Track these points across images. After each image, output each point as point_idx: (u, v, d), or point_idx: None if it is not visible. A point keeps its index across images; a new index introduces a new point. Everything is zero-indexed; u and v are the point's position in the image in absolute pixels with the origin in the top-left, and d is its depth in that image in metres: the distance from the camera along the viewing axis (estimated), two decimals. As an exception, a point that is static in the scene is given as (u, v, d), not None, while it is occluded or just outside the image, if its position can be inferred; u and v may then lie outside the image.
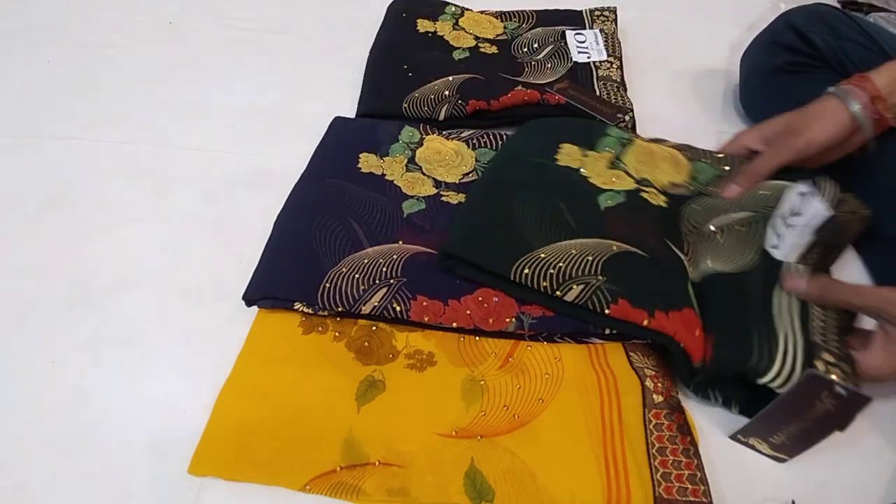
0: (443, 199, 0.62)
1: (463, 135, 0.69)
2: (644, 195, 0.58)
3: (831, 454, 0.46)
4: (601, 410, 0.47)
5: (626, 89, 0.74)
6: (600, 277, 0.49)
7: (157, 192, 0.64)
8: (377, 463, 0.44)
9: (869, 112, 0.53)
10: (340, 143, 0.68)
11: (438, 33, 0.83)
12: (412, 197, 0.62)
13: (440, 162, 0.66)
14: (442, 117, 0.70)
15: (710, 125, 0.74)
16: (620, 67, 0.78)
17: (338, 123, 0.71)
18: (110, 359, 0.50)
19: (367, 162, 0.65)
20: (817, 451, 0.46)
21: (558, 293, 0.49)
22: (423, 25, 0.84)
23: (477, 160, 0.67)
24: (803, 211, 0.50)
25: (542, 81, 0.74)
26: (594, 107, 0.70)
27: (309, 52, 0.84)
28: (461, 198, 0.62)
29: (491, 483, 0.43)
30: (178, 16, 0.90)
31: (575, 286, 0.49)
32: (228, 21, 0.90)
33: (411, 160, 0.66)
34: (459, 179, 0.65)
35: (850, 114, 0.54)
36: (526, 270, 0.50)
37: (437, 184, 0.64)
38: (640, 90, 0.76)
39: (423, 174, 0.65)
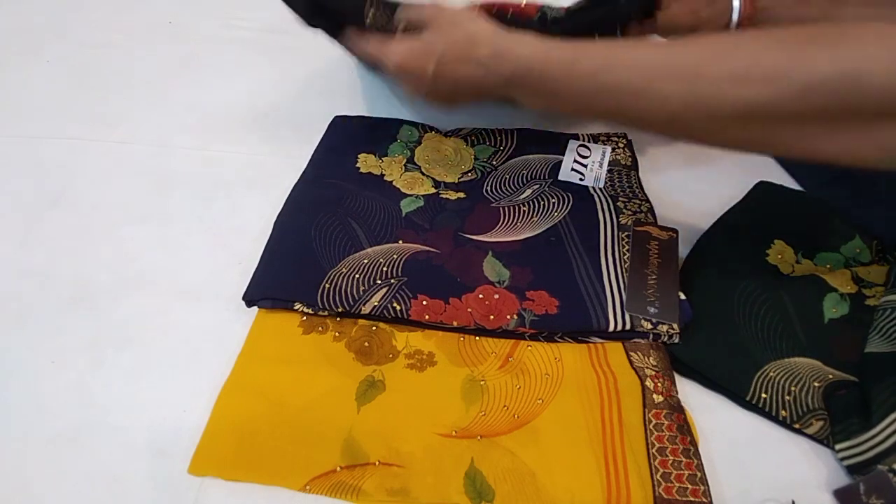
0: (441, 196, 0.62)
1: (462, 132, 0.69)
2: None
3: (832, 454, 0.46)
4: (601, 410, 0.47)
5: None
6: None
7: (157, 192, 0.64)
8: (377, 463, 0.44)
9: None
10: (339, 143, 0.68)
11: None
12: (411, 195, 0.62)
13: (439, 161, 0.66)
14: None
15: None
16: None
17: (337, 123, 0.71)
18: (110, 359, 0.50)
19: (366, 162, 0.65)
20: (817, 451, 0.46)
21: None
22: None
23: (476, 157, 0.67)
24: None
25: None
26: None
27: (309, 52, 0.84)
28: (461, 195, 0.62)
29: (491, 483, 0.43)
30: (178, 15, 0.90)
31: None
32: (228, 21, 0.89)
33: (410, 160, 0.66)
34: (459, 179, 0.65)
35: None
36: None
37: (437, 184, 0.64)
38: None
39: (423, 174, 0.65)
